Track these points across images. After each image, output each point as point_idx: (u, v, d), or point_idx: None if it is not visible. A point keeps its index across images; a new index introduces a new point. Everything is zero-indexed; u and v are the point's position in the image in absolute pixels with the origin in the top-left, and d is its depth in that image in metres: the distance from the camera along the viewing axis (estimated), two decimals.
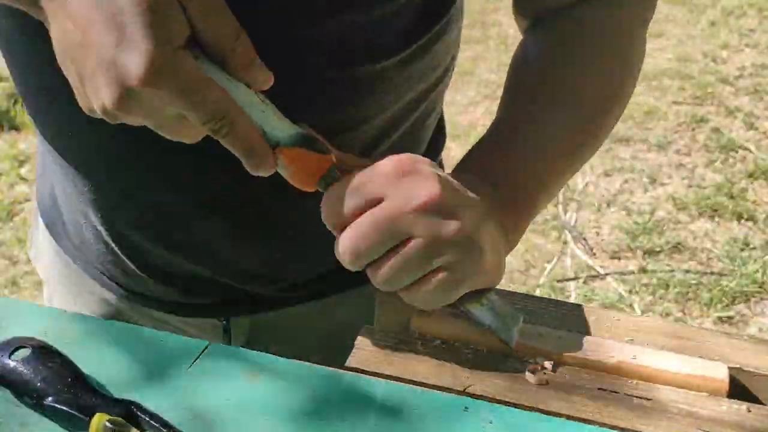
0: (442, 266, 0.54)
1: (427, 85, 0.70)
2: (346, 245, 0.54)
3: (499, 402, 0.54)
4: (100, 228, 0.71)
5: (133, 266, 0.73)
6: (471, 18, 3.92)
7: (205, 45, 0.48)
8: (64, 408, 0.51)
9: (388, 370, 0.57)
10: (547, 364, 0.57)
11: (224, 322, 0.78)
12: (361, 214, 0.53)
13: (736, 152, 2.77)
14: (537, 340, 0.58)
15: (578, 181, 2.59)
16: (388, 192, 0.53)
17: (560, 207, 2.44)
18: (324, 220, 0.55)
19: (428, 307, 0.58)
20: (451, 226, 0.53)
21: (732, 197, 2.50)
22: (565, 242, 2.29)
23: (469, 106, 3.04)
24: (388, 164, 0.54)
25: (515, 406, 0.54)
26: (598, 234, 2.34)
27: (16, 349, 0.54)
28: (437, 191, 0.53)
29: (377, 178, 0.54)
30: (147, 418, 0.51)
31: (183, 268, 0.72)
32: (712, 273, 2.16)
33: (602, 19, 0.71)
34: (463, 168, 0.66)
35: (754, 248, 2.26)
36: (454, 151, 2.68)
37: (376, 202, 0.53)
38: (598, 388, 0.55)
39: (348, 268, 0.55)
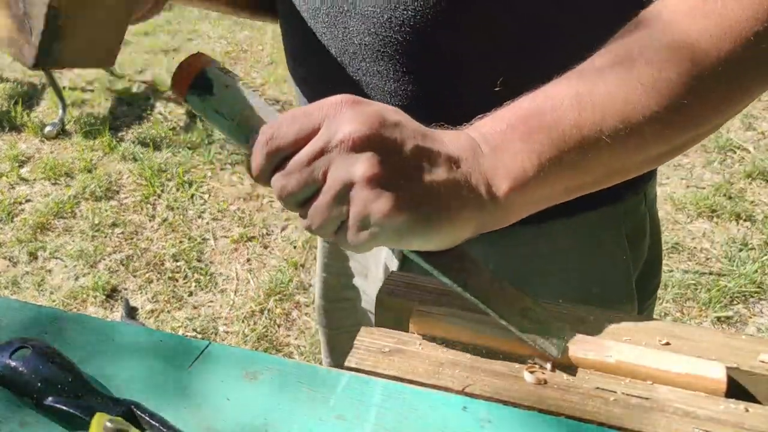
0: (351, 206, 0.49)
1: None
2: (275, 184, 0.51)
3: (498, 401, 0.54)
4: None
5: None
6: None
7: None
8: (64, 408, 0.52)
9: (388, 369, 0.57)
10: (546, 364, 0.57)
11: None
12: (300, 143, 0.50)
13: (735, 152, 2.78)
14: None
15: None
16: (323, 123, 0.49)
17: None
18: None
19: (361, 251, 0.52)
20: (362, 168, 0.48)
21: (730, 197, 2.51)
22: None
23: None
24: (336, 96, 0.49)
25: (514, 405, 0.54)
26: None
27: (17, 349, 0.54)
28: (367, 126, 0.48)
29: (319, 110, 0.49)
30: (147, 418, 0.52)
31: None
32: (710, 273, 2.16)
33: None
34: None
35: (752, 248, 2.26)
36: None
37: (313, 133, 0.49)
38: (596, 388, 0.55)
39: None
